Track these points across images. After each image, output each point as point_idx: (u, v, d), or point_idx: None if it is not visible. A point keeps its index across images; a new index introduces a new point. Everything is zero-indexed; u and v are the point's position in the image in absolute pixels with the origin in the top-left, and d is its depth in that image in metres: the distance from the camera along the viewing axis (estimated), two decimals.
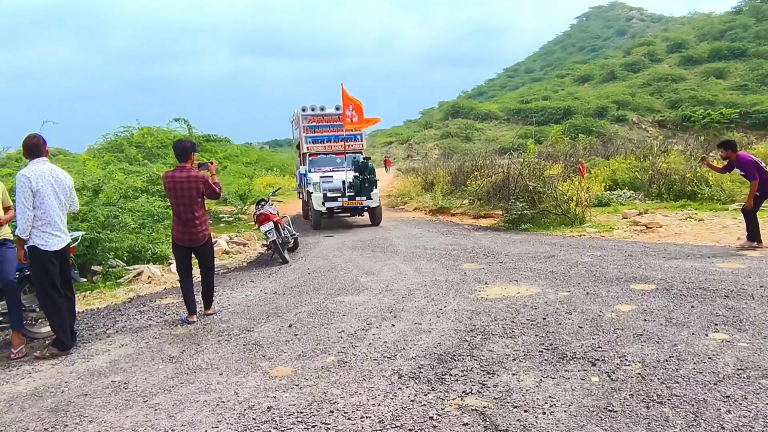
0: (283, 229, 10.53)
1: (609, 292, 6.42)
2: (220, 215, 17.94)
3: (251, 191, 23.12)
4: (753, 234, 8.73)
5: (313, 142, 16.76)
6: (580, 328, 5.16)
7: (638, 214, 13.40)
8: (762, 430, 3.15)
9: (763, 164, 8.87)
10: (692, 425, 3.25)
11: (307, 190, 15.63)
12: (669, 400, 3.59)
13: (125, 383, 4.50)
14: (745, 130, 35.53)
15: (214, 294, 6.84)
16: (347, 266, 9.23)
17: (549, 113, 50.65)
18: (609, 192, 17.13)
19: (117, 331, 6.13)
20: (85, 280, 8.75)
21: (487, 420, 3.48)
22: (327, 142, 16.87)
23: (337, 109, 16.40)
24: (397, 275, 8.23)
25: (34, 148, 5.44)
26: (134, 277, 9.52)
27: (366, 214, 15.96)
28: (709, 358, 4.23)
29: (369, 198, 14.88)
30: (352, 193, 14.77)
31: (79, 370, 4.91)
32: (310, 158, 16.58)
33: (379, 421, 3.55)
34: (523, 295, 6.57)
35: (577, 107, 50.43)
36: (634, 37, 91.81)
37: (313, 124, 16.99)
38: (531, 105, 54.02)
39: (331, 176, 15.24)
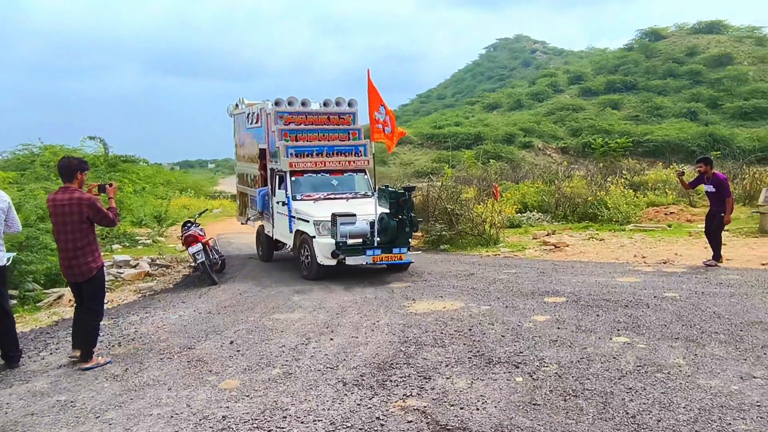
0: (211, 251, 10.60)
1: (525, 305, 7.04)
2: (137, 237, 17.51)
3: (167, 213, 22.68)
4: (718, 252, 9.34)
5: (296, 155, 11.05)
6: (503, 336, 5.70)
7: (547, 235, 14.38)
8: (658, 413, 3.75)
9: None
10: (602, 412, 3.81)
11: (299, 229, 10.27)
12: (582, 393, 4.14)
13: (72, 402, 4.57)
14: (637, 157, 38.43)
15: (96, 342, 5.70)
16: (278, 286, 9.44)
17: (461, 138, 52.53)
18: (519, 214, 18.19)
19: (51, 353, 6.09)
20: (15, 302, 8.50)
21: (429, 417, 3.89)
22: (317, 155, 11.29)
23: (325, 105, 11.83)
24: (328, 294, 8.54)
25: None
26: (54, 300, 9.30)
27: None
28: (614, 357, 4.86)
29: (408, 249, 9.82)
30: (382, 240, 9.57)
31: (20, 392, 4.90)
32: (293, 179, 10.94)
33: (331, 423, 3.88)
34: (449, 309, 7.08)
35: (487, 133, 52.67)
36: (538, 68, 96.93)
37: (293, 127, 11.40)
38: (444, 130, 55.74)
39: (353, 215, 9.43)
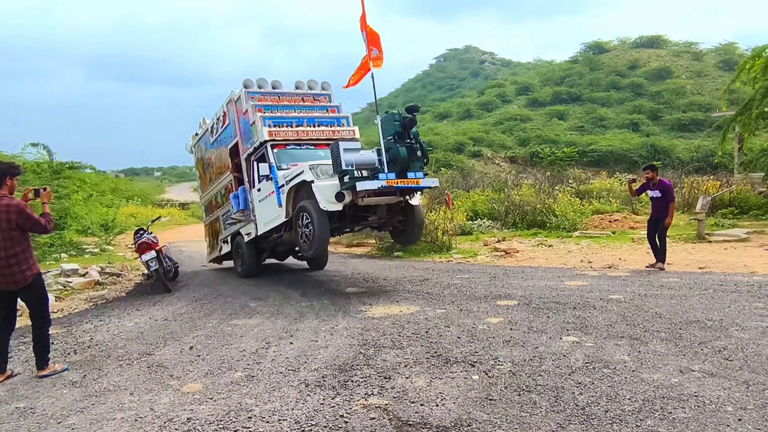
0: (165, 258, 10.50)
1: (479, 308, 7.28)
2: (84, 246, 17.09)
3: (115, 221, 22.20)
4: (663, 256, 9.77)
5: (275, 125, 10.11)
6: (459, 338, 5.90)
7: (497, 242, 14.78)
8: (606, 404, 4.00)
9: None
10: (554, 405, 4.03)
11: (292, 187, 9.14)
12: (535, 388, 4.37)
13: (31, 408, 4.52)
14: (583, 166, 39.62)
15: (49, 354, 5.57)
16: (234, 293, 9.44)
17: None
18: (471, 221, 18.61)
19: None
20: None
21: (391, 414, 4.04)
22: (297, 125, 10.33)
23: (297, 88, 11.09)
24: (285, 300, 8.60)
25: None
26: None
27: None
28: (564, 355, 5.12)
29: (425, 175, 8.62)
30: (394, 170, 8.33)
31: None
32: (275, 151, 9.96)
33: (296, 422, 3.98)
34: (405, 313, 7.25)
35: (437, 142, 53.31)
36: (486, 78, 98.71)
37: (269, 103, 10.56)
38: None
39: (357, 140, 9.15)
